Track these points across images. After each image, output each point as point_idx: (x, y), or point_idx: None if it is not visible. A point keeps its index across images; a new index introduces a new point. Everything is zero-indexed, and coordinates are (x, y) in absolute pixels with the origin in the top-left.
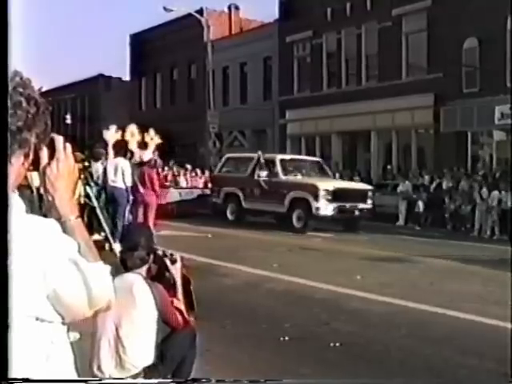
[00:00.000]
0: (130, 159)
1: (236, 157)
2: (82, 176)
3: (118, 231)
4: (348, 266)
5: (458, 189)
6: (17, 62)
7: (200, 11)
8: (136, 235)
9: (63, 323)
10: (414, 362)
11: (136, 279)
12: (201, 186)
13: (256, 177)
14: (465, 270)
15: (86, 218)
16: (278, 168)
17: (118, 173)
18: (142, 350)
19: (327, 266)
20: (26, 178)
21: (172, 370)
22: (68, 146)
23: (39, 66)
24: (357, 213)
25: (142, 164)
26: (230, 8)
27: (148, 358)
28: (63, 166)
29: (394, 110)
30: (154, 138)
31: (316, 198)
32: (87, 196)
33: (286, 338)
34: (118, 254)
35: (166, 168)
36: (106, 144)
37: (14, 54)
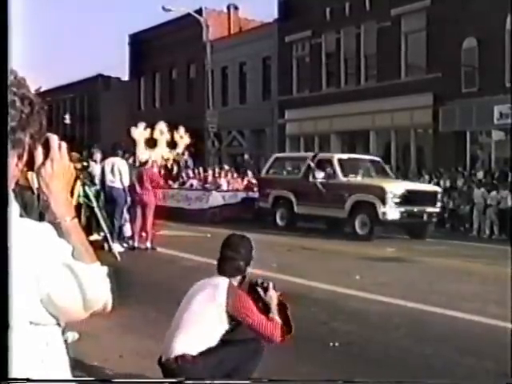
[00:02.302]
0: (127, 159)
1: (286, 157)
2: (81, 176)
3: (116, 231)
4: (346, 266)
5: (457, 188)
6: (16, 62)
7: (199, 11)
8: (238, 245)
9: (58, 325)
10: (413, 362)
11: (223, 281)
12: (242, 188)
13: (311, 178)
14: (464, 269)
15: (85, 218)
16: (337, 169)
17: (116, 172)
18: (190, 337)
19: (323, 266)
20: (26, 179)
21: (216, 371)
22: (63, 145)
23: (38, 65)
24: (425, 217)
25: (141, 164)
26: (229, 8)
27: (195, 348)
28: (58, 165)
29: (393, 110)
30: (183, 137)
31: (383, 201)
32: (86, 196)
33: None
34: (217, 261)
35: (200, 168)
36: (133, 142)
37: (13, 54)
